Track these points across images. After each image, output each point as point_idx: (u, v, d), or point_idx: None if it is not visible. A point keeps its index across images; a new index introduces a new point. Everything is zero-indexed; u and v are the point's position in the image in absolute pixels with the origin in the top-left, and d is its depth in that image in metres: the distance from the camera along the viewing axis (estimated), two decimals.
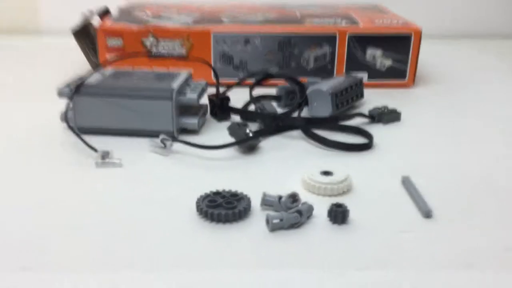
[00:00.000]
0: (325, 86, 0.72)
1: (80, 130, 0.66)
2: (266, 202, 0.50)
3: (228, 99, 0.72)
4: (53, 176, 0.56)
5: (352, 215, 0.49)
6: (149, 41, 0.85)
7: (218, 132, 0.68)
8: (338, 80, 0.76)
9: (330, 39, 0.86)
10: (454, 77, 0.97)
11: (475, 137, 0.69)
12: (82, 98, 0.64)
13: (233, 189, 0.52)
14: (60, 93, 0.65)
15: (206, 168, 0.59)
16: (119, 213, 0.49)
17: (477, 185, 0.56)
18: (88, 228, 0.47)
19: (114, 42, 0.85)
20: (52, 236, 0.45)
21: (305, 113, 0.75)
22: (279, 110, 0.76)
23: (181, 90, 0.65)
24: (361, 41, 0.86)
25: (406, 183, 0.55)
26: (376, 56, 0.87)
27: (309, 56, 0.86)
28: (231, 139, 0.62)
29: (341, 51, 0.86)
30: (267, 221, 0.47)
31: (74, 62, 1.01)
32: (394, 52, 0.87)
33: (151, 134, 0.65)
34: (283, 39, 0.86)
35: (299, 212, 0.47)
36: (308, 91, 0.72)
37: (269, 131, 0.66)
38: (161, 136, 0.62)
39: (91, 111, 0.65)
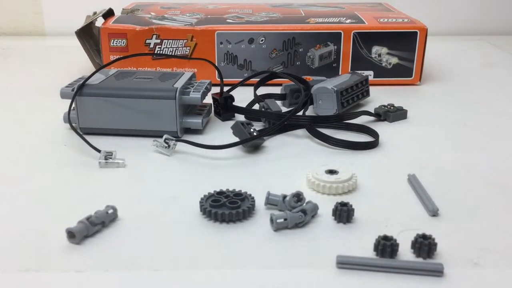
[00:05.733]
0: (330, 84, 0.71)
1: (83, 130, 0.66)
2: (270, 201, 0.49)
3: (232, 98, 0.71)
4: (56, 176, 0.56)
5: (357, 214, 0.49)
6: (152, 41, 0.85)
7: (222, 132, 0.68)
8: (343, 78, 0.75)
9: (335, 37, 0.85)
10: (461, 74, 0.96)
11: (482, 135, 0.68)
12: (85, 98, 0.64)
13: (237, 189, 0.52)
14: (63, 94, 0.65)
15: (209, 167, 0.58)
16: (122, 213, 0.49)
17: (484, 183, 0.55)
18: None
19: (118, 42, 0.85)
20: (55, 236, 0.45)
21: (310, 111, 0.74)
22: (284, 109, 0.76)
23: (184, 90, 0.65)
24: (367, 39, 0.85)
25: (412, 181, 0.54)
26: (381, 54, 0.86)
27: (314, 54, 0.86)
28: (235, 139, 0.62)
29: (346, 49, 0.86)
30: (271, 221, 0.46)
31: (78, 64, 1.01)
32: (400, 50, 0.86)
33: (155, 134, 0.64)
34: (287, 38, 0.85)
35: (304, 211, 0.47)
36: (313, 89, 0.72)
37: (273, 130, 0.65)
38: (165, 136, 0.61)
39: (94, 112, 0.64)
